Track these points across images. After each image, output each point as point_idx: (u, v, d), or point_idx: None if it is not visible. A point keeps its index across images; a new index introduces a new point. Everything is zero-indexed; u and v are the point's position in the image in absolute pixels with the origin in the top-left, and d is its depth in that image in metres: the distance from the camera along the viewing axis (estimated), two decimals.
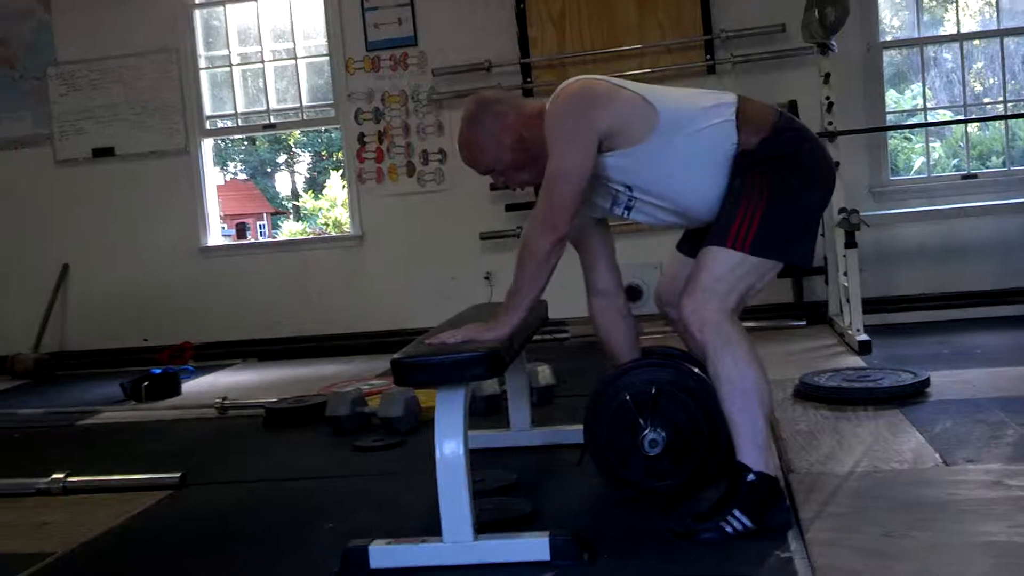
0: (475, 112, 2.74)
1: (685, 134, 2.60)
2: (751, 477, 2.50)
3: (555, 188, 2.55)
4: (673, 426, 2.77)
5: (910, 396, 3.77)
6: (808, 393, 3.91)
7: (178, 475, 3.46)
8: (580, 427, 3.49)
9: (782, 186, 2.57)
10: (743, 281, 2.58)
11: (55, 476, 3.50)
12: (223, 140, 8.86)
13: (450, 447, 2.40)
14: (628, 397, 2.80)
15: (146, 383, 5.32)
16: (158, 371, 5.55)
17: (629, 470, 2.82)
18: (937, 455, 3.02)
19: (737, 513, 2.47)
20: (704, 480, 2.76)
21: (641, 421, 2.77)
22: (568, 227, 2.56)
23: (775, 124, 2.62)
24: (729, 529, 2.46)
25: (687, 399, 2.76)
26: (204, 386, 5.77)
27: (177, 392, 5.45)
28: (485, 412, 4.06)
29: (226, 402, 4.76)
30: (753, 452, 2.52)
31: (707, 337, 2.53)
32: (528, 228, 2.60)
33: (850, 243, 5.12)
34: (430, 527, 2.48)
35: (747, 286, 2.60)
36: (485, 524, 2.54)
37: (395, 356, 2.51)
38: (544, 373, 4.33)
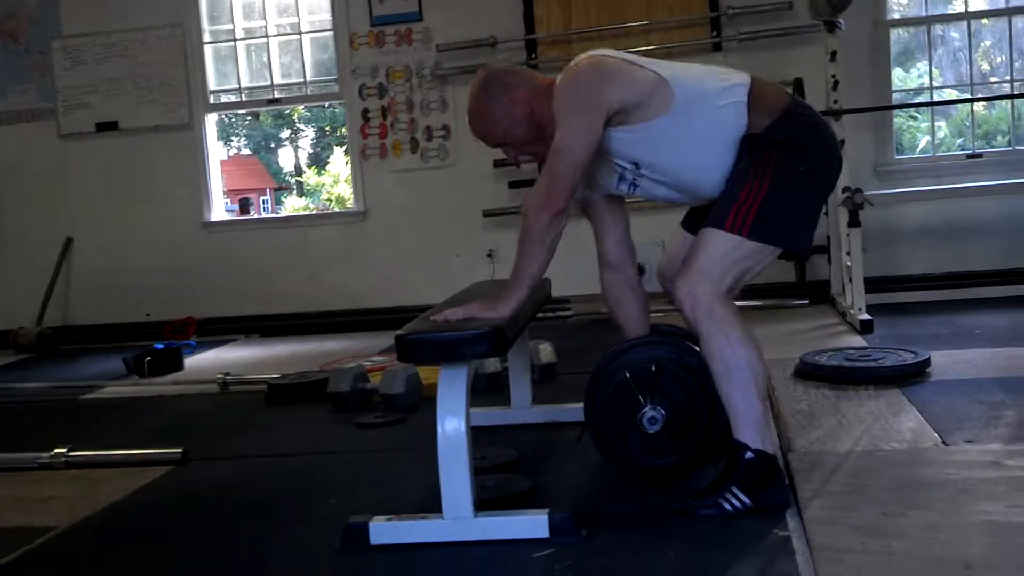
0: (487, 84, 2.72)
1: (698, 114, 2.59)
2: (749, 455, 2.51)
3: (558, 161, 2.54)
4: (673, 404, 2.77)
5: (911, 376, 3.77)
6: (809, 372, 3.91)
7: (180, 450, 3.47)
8: (581, 405, 3.51)
9: (787, 171, 2.56)
10: (739, 265, 2.57)
11: (58, 450, 3.52)
12: (227, 115, 8.82)
13: (452, 424, 2.41)
14: (628, 375, 2.81)
15: (148, 358, 5.33)
16: (160, 346, 5.56)
17: (628, 448, 2.83)
18: (936, 435, 3.02)
19: (736, 490, 2.49)
20: (703, 459, 2.76)
21: (641, 399, 2.77)
22: (567, 202, 2.55)
23: (786, 108, 2.61)
24: (728, 506, 2.47)
25: (687, 377, 2.77)
26: (206, 361, 5.78)
27: (179, 367, 5.47)
28: (486, 389, 4.07)
29: (228, 378, 4.77)
30: (750, 430, 2.53)
31: (699, 318, 2.55)
32: (528, 203, 2.60)
33: (854, 222, 5.11)
34: (430, 504, 2.49)
35: (743, 269, 2.59)
36: (485, 501, 2.56)
37: (399, 332, 2.52)
38: (546, 351, 4.33)
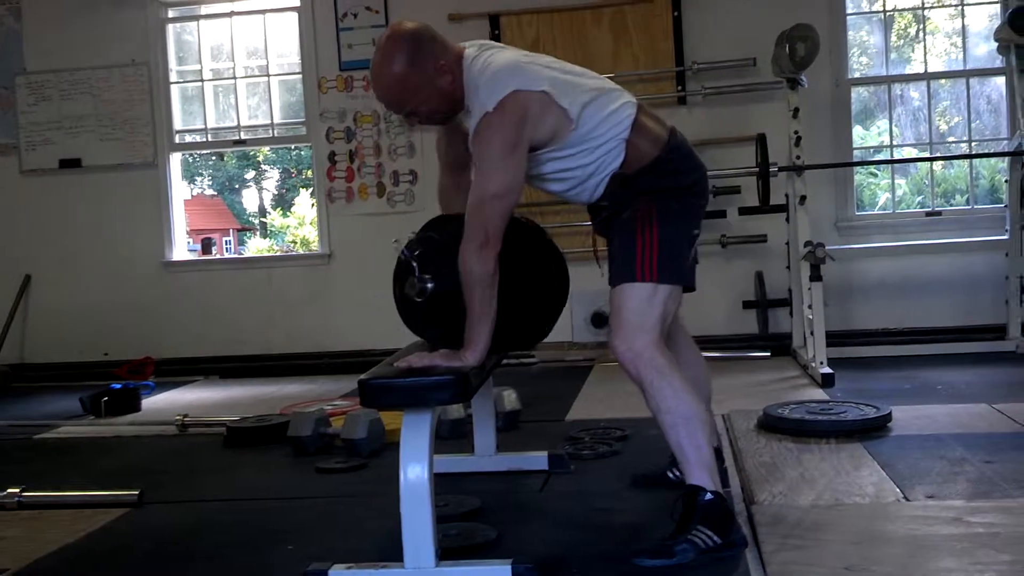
0: (411, 48, 2.63)
1: (583, 148, 2.70)
2: (708, 496, 2.57)
3: (491, 209, 2.56)
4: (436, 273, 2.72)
5: (872, 430, 3.79)
6: (772, 425, 3.92)
7: (136, 493, 3.42)
8: (545, 453, 3.52)
9: (667, 214, 2.72)
10: (659, 309, 2.68)
11: (10, 490, 3.45)
12: (191, 155, 8.79)
13: (415, 471, 2.39)
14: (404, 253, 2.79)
15: (105, 398, 5.25)
16: (118, 386, 5.48)
17: (415, 322, 2.80)
18: (898, 490, 3.04)
19: (702, 528, 2.52)
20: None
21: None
22: (500, 241, 2.57)
23: (658, 155, 2.73)
24: (700, 543, 2.50)
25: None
26: (164, 402, 5.71)
27: (137, 408, 5.39)
28: (449, 436, 4.04)
29: (186, 419, 4.71)
30: (703, 475, 2.60)
31: (642, 371, 2.63)
32: (465, 254, 2.56)
33: (815, 276, 5.17)
34: (392, 552, 2.46)
35: (664, 313, 2.70)
36: (447, 550, 2.53)
37: (362, 377, 2.50)
38: (510, 398, 4.32)
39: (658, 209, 2.70)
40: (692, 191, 2.80)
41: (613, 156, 2.71)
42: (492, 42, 2.87)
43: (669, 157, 2.75)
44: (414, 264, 2.69)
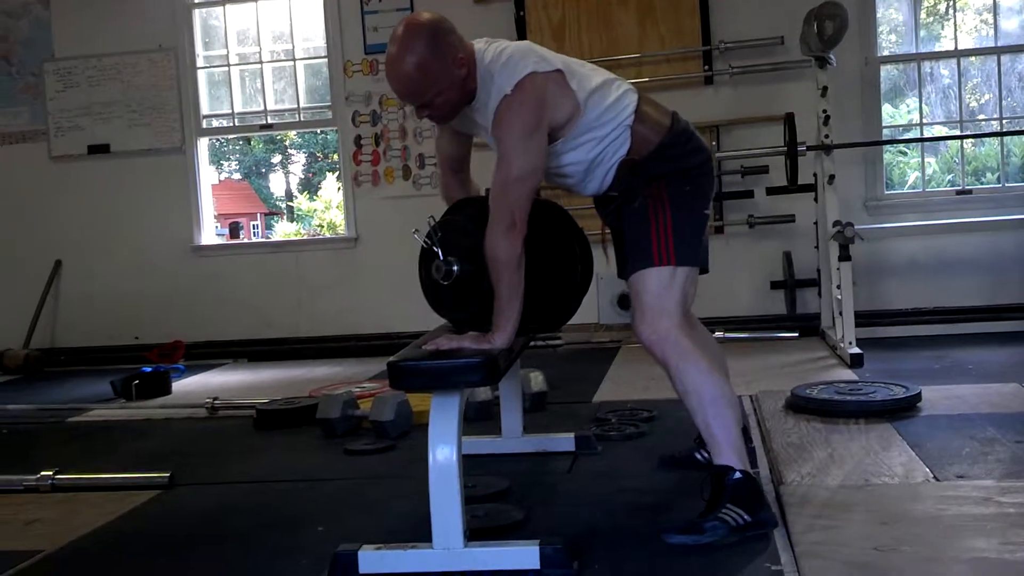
0: (432, 38, 2.61)
1: (591, 138, 2.72)
2: (736, 475, 2.58)
3: (516, 192, 2.57)
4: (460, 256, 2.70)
5: (902, 410, 3.77)
6: (800, 405, 3.91)
7: (167, 475, 3.45)
8: (572, 435, 3.53)
9: (679, 197, 2.74)
10: (679, 290, 2.72)
11: (44, 473, 3.49)
12: (218, 139, 8.83)
13: (443, 453, 2.40)
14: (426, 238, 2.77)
15: (136, 381, 5.30)
16: (148, 369, 5.53)
17: (442, 305, 2.79)
18: (928, 470, 3.02)
19: (732, 507, 2.53)
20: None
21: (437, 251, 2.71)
22: (526, 223, 2.58)
23: (662, 140, 2.74)
24: (731, 521, 2.51)
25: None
26: (194, 386, 5.75)
27: (167, 391, 5.44)
28: (477, 418, 4.05)
29: (216, 402, 4.75)
30: (731, 455, 2.62)
31: (667, 354, 2.67)
32: (491, 237, 2.56)
33: (844, 256, 5.13)
34: (420, 532, 2.47)
35: (684, 295, 2.74)
36: (475, 531, 2.54)
37: (391, 359, 2.51)
38: (537, 379, 4.32)
39: (669, 193, 2.72)
40: (700, 171, 2.81)
41: (619, 144, 2.73)
42: (499, 38, 2.86)
43: (674, 142, 2.76)
44: (436, 249, 2.69)
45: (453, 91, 2.67)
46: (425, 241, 2.74)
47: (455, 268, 2.68)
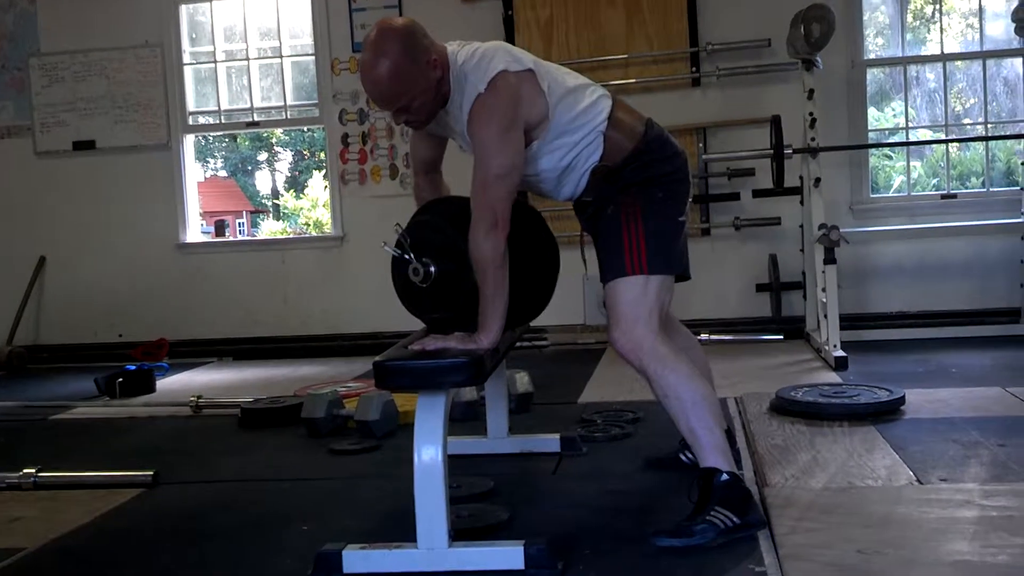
0: (404, 42, 2.60)
1: (563, 143, 2.72)
2: (724, 477, 2.58)
3: (496, 189, 2.56)
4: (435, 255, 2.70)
5: (885, 413, 3.78)
6: (784, 408, 3.92)
7: (151, 473, 3.44)
8: (557, 436, 3.53)
9: (652, 204, 2.73)
10: (654, 300, 2.70)
11: (26, 471, 3.47)
12: (204, 136, 8.80)
13: (429, 453, 2.40)
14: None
15: (120, 379, 5.28)
16: (132, 367, 5.50)
17: (422, 308, 2.79)
18: (911, 473, 3.03)
19: (720, 509, 2.52)
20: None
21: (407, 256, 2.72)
22: (509, 221, 2.57)
23: (636, 146, 2.75)
24: (719, 523, 2.50)
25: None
26: (179, 384, 5.73)
27: (151, 389, 5.42)
28: (462, 418, 4.05)
29: (201, 401, 4.73)
30: (717, 456, 2.61)
31: (645, 361, 2.66)
32: (475, 237, 2.56)
33: (829, 259, 5.15)
34: (405, 532, 2.46)
35: (659, 304, 2.72)
36: (460, 531, 2.54)
37: (377, 359, 2.50)
38: (522, 380, 4.32)
39: (642, 201, 2.73)
40: (674, 177, 2.80)
41: (592, 150, 2.73)
42: (472, 41, 2.83)
43: (648, 148, 2.76)
44: (408, 256, 2.69)
45: (429, 94, 2.66)
46: (395, 251, 2.74)
47: (432, 269, 2.68)
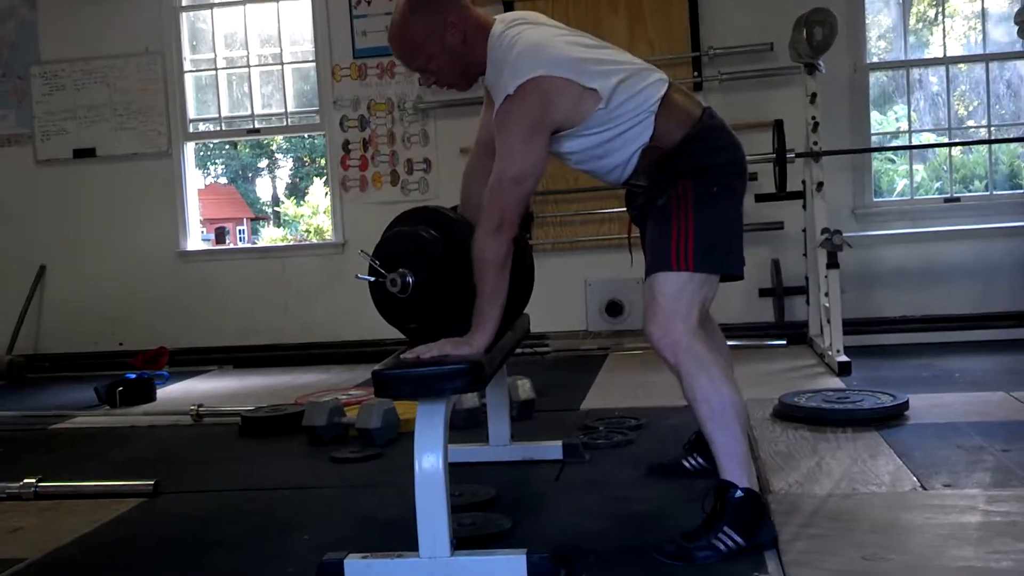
0: (416, 4, 2.63)
1: (611, 126, 2.64)
2: (738, 494, 2.51)
3: (509, 193, 2.54)
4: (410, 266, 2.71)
5: (889, 419, 3.77)
6: (787, 413, 3.91)
7: (151, 482, 3.42)
8: (560, 443, 3.51)
9: (704, 197, 2.63)
10: (696, 297, 2.62)
11: (27, 481, 3.46)
12: (205, 144, 8.80)
13: (429, 461, 2.38)
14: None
15: (120, 388, 5.26)
16: (133, 376, 5.49)
17: (392, 315, 2.79)
18: (915, 479, 3.02)
19: (728, 530, 2.47)
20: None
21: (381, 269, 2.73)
22: (516, 225, 2.56)
23: (688, 132, 2.65)
24: (722, 546, 2.46)
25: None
26: (179, 392, 5.72)
27: (152, 398, 5.40)
28: (464, 425, 4.04)
29: (201, 409, 4.72)
30: (737, 470, 2.54)
31: (680, 359, 2.57)
32: (480, 236, 2.55)
33: (832, 263, 5.13)
34: (407, 541, 2.45)
35: (701, 300, 2.64)
36: (462, 540, 2.52)
37: (377, 367, 2.49)
38: (524, 387, 4.31)
39: (694, 192, 2.62)
40: (729, 170, 2.70)
41: (641, 130, 2.63)
42: (521, 15, 2.79)
43: (702, 136, 2.66)
44: (383, 277, 2.70)
45: (445, 57, 2.66)
46: (369, 278, 2.74)
47: (409, 279, 2.67)
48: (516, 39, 2.62)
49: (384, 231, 2.87)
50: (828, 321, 5.19)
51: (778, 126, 5.46)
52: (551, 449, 3.53)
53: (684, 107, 2.69)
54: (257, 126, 7.11)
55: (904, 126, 6.69)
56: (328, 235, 7.44)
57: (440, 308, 2.66)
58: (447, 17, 2.62)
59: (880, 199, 6.69)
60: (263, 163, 26.03)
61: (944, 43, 6.51)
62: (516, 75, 2.54)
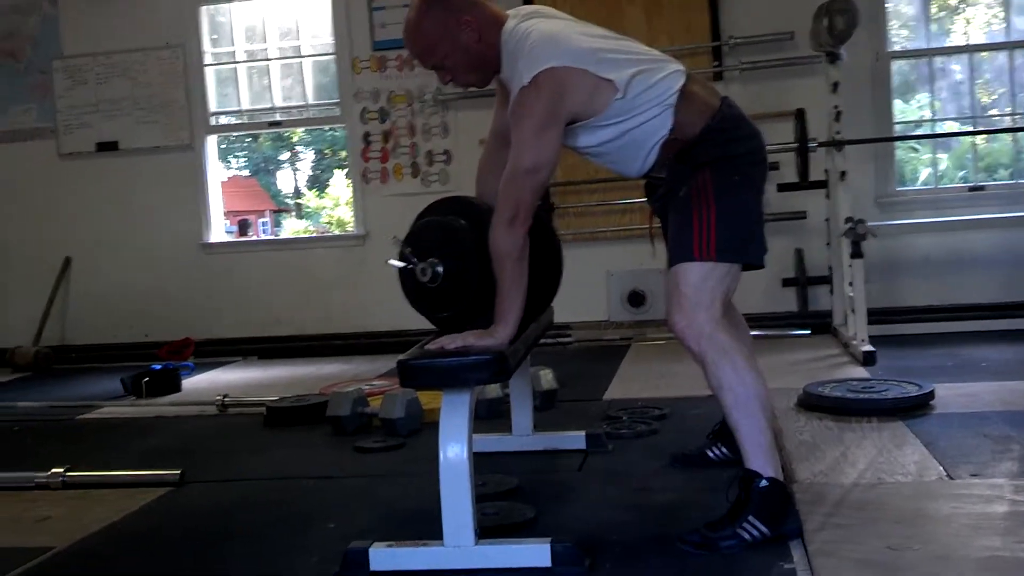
0: (431, 2, 2.65)
1: (628, 118, 2.63)
2: (763, 483, 2.51)
3: (523, 184, 2.54)
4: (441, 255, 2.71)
5: (914, 408, 3.75)
6: (812, 403, 3.89)
7: (178, 472, 3.45)
8: (583, 433, 3.51)
9: (726, 187, 2.63)
10: (719, 287, 2.62)
11: (55, 470, 3.49)
12: (227, 137, 8.83)
13: (454, 451, 2.39)
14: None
15: (146, 379, 5.30)
16: (158, 367, 5.53)
17: (421, 305, 2.80)
18: (941, 468, 3.00)
19: (752, 519, 2.47)
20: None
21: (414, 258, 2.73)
22: (531, 216, 2.55)
23: (708, 123, 2.65)
24: (747, 536, 2.46)
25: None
26: (204, 383, 5.75)
27: (177, 388, 5.44)
28: (487, 415, 4.04)
29: (226, 400, 4.75)
30: (761, 458, 2.54)
31: (704, 348, 2.57)
32: (495, 228, 2.55)
33: (856, 253, 5.10)
34: (431, 530, 2.46)
35: (724, 290, 2.65)
36: (486, 529, 2.53)
37: (401, 357, 2.50)
38: (547, 377, 4.31)
39: (715, 183, 2.62)
40: (749, 160, 2.70)
41: (660, 123, 2.63)
42: (536, 9, 2.79)
43: (721, 126, 2.65)
44: (413, 262, 2.70)
45: (460, 55, 2.66)
46: (400, 263, 2.74)
47: (440, 269, 2.68)
48: (530, 31, 2.62)
49: (414, 220, 2.86)
50: (852, 310, 5.17)
51: (800, 115, 5.43)
52: (574, 439, 3.53)
53: (703, 98, 2.69)
54: (278, 119, 7.13)
55: (927, 114, 6.65)
56: (350, 227, 7.46)
57: (470, 298, 2.66)
58: (462, 15, 2.63)
59: (904, 188, 6.65)
60: (284, 155, 26.08)
61: (967, 31, 6.46)
62: (531, 66, 2.54)
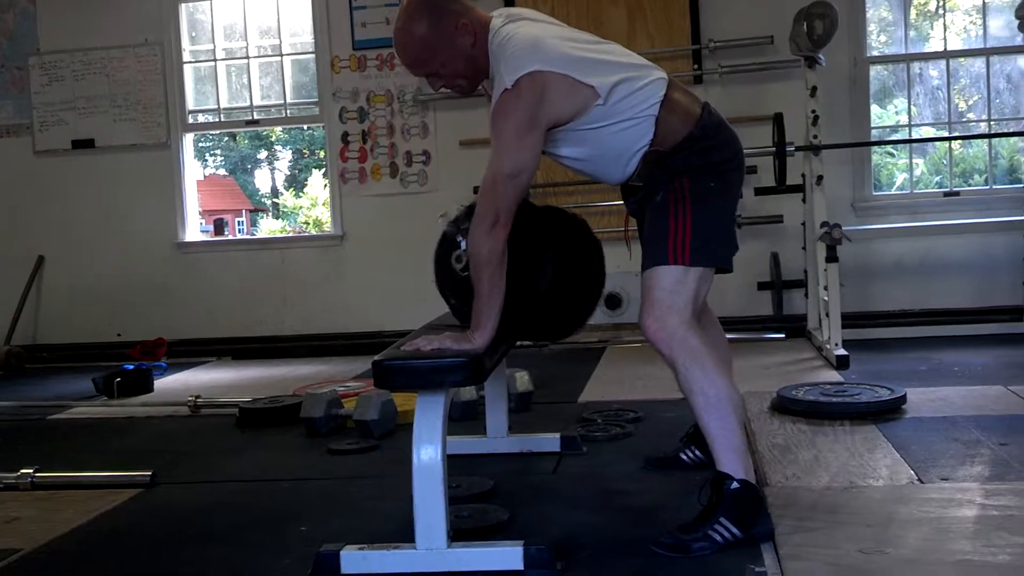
0: (430, 6, 2.62)
1: (609, 126, 2.63)
2: (734, 485, 2.51)
3: (504, 189, 2.52)
4: None
5: (887, 412, 3.77)
6: (785, 407, 3.91)
7: (148, 473, 3.42)
8: (557, 435, 3.51)
9: (702, 194, 2.65)
10: (691, 291, 2.63)
11: (23, 471, 3.46)
12: (204, 135, 8.79)
13: (428, 453, 2.38)
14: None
15: (118, 379, 5.26)
16: (131, 367, 5.49)
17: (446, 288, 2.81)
18: (912, 472, 3.02)
19: (724, 521, 2.47)
20: None
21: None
22: (511, 221, 2.55)
23: (690, 132, 2.65)
24: (718, 538, 2.46)
25: None
26: (177, 384, 5.71)
27: (149, 389, 5.40)
28: (462, 417, 4.04)
29: (199, 400, 4.71)
30: (733, 461, 2.54)
31: (675, 352, 2.58)
32: (475, 233, 2.54)
33: (831, 257, 5.12)
34: (403, 533, 2.45)
35: (695, 294, 2.66)
36: (459, 531, 2.52)
37: (376, 358, 2.49)
38: (522, 379, 4.30)
39: (692, 189, 2.63)
40: (728, 166, 2.71)
41: (641, 132, 2.63)
42: (520, 11, 2.79)
43: (703, 134, 2.66)
44: (460, 239, 2.69)
45: (457, 60, 2.65)
46: (449, 225, 2.72)
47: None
48: (513, 34, 2.61)
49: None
50: (827, 314, 5.19)
51: (778, 119, 5.45)
52: (549, 441, 3.53)
53: (685, 106, 2.69)
54: (256, 117, 7.10)
55: (904, 120, 6.69)
56: (327, 227, 7.43)
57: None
58: (458, 20, 2.62)
59: (880, 193, 6.69)
60: (262, 154, 26.00)
61: (944, 37, 6.50)
62: (512, 70, 2.53)
